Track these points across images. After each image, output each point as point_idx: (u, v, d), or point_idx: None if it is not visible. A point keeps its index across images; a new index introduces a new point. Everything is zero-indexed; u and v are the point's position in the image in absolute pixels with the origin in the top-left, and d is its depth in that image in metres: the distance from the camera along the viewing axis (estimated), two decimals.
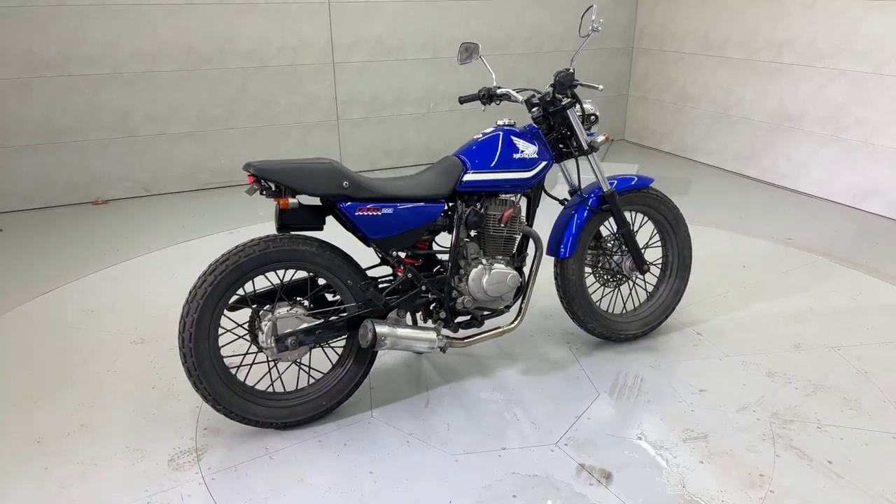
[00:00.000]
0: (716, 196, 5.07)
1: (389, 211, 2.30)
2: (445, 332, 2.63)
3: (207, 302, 2.15)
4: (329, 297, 2.48)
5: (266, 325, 2.26)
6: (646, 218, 2.85)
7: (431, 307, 2.57)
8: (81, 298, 3.44)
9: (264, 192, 2.19)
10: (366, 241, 2.40)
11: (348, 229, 2.38)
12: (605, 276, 2.89)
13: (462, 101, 2.79)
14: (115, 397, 2.62)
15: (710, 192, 5.18)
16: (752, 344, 2.95)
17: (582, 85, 2.59)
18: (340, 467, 2.23)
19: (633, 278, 2.93)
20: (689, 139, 6.13)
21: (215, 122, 5.26)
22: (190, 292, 2.16)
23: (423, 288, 2.46)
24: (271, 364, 2.48)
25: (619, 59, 6.59)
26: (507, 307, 2.64)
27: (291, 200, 2.18)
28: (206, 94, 5.15)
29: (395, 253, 2.38)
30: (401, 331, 2.35)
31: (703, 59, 5.86)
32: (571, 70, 2.59)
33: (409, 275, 2.43)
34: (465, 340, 2.55)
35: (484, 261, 2.53)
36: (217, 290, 2.15)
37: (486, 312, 2.62)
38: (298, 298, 2.38)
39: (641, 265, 2.86)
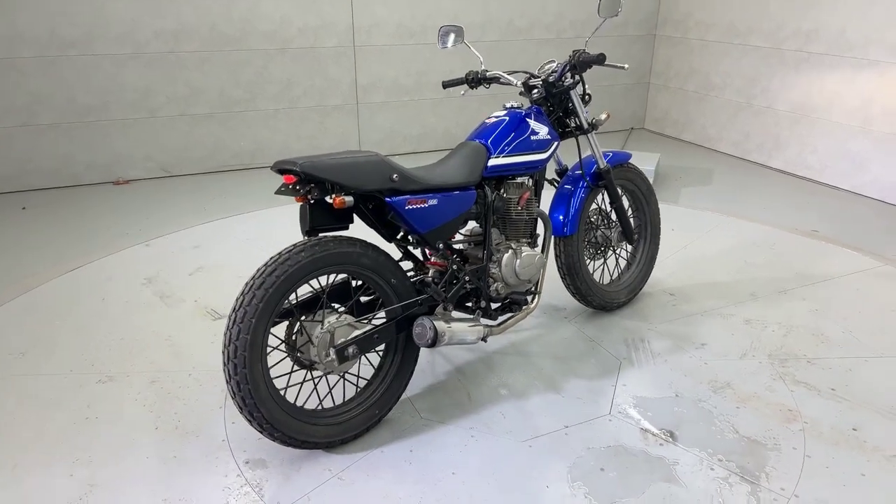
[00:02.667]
0: (739, 187, 4.85)
1: (434, 202, 2.16)
2: (484, 321, 2.49)
3: (260, 318, 1.86)
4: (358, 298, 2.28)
5: (319, 336, 2.00)
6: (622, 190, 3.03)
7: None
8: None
9: (311, 194, 1.93)
10: (390, 237, 2.23)
11: (373, 225, 2.20)
12: (591, 249, 2.92)
13: (446, 85, 2.69)
14: (121, 445, 2.20)
15: (732, 182, 4.96)
16: (718, 297, 3.19)
17: (609, 65, 2.58)
18: (420, 474, 2.06)
19: (619, 249, 3.02)
20: (712, 129, 5.98)
21: (236, 103, 5.14)
22: (235, 310, 1.86)
23: (467, 279, 2.34)
24: (315, 379, 2.24)
25: (641, 47, 6.42)
26: (532, 291, 2.57)
27: (347, 199, 1.94)
28: (226, 75, 5.03)
29: (440, 245, 2.24)
30: (455, 325, 2.21)
31: (727, 47, 5.69)
32: (586, 50, 2.54)
33: (455, 266, 2.30)
34: (500, 326, 2.46)
35: (513, 245, 2.47)
36: (269, 304, 1.87)
37: (516, 297, 2.53)
38: (336, 305, 2.17)
39: (631, 235, 2.97)
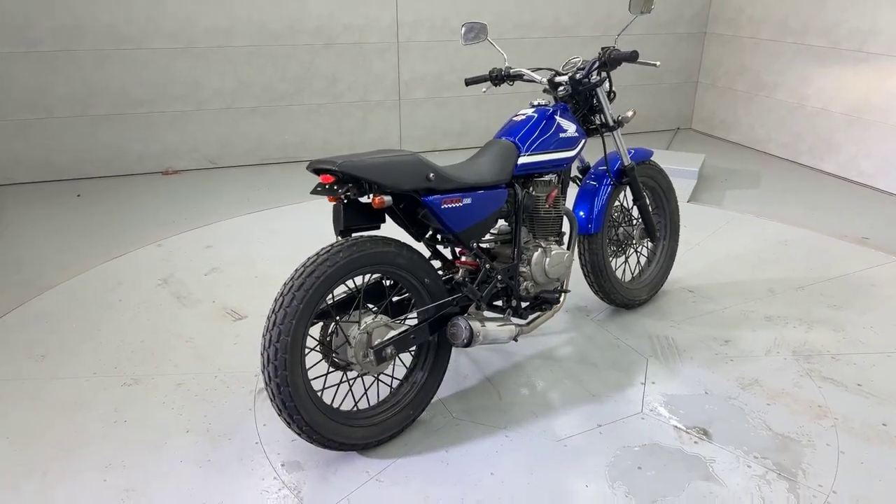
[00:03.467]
0: (787, 190, 4.66)
1: (469, 201, 2.12)
2: (515, 320, 2.46)
3: (300, 319, 1.83)
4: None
5: (356, 337, 1.97)
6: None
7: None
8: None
9: (348, 193, 1.90)
10: (419, 236, 2.20)
11: (403, 225, 2.16)
12: (613, 247, 2.88)
13: (469, 82, 2.68)
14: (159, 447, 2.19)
15: (781, 185, 4.76)
16: (737, 295, 3.17)
17: (641, 62, 2.51)
18: (458, 475, 2.03)
19: (640, 247, 2.99)
20: (761, 130, 5.78)
21: (282, 97, 5.18)
22: (274, 312, 1.83)
23: (499, 278, 2.31)
24: (350, 381, 2.23)
25: (689, 45, 6.23)
26: (561, 289, 2.54)
27: (386, 198, 1.92)
28: (273, 69, 5.06)
29: (474, 244, 2.22)
30: (489, 324, 2.19)
31: (780, 46, 5.48)
32: (616, 47, 2.50)
33: (488, 266, 2.28)
34: (530, 325, 2.44)
35: (543, 244, 2.45)
36: (309, 305, 1.84)
37: (546, 296, 2.52)
38: (370, 305, 2.14)
39: (654, 233, 2.94)
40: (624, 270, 3.06)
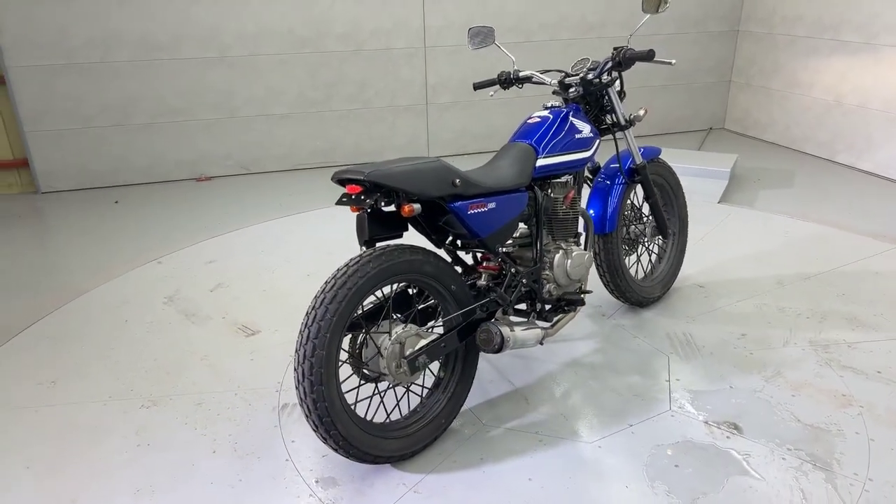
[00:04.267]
0: (823, 190, 4.50)
1: (493, 205, 2.10)
2: (540, 323, 2.43)
3: (334, 332, 1.79)
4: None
5: (388, 347, 1.93)
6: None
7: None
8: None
9: (378, 203, 1.85)
10: (440, 242, 2.16)
11: (424, 231, 2.13)
12: (625, 246, 2.87)
13: (477, 87, 2.65)
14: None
15: (816, 185, 4.60)
16: (747, 287, 3.17)
17: (657, 61, 2.48)
18: (495, 482, 2.00)
19: (651, 244, 2.99)
20: (797, 129, 5.63)
21: (313, 104, 5.22)
22: (307, 326, 1.78)
23: (524, 281, 2.29)
24: (381, 392, 2.19)
25: (722, 43, 6.10)
26: (582, 290, 2.53)
27: (416, 206, 1.89)
28: (304, 76, 5.10)
29: (500, 249, 2.20)
30: (518, 329, 2.16)
31: (816, 43, 5.32)
32: (629, 46, 2.47)
33: (513, 270, 2.26)
34: (553, 327, 2.42)
35: (564, 245, 2.43)
36: (342, 318, 1.80)
37: (570, 297, 2.50)
38: (396, 314, 2.10)
39: (666, 230, 2.92)
40: (637, 268, 3.04)
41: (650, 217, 2.93)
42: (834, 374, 2.50)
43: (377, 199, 1.86)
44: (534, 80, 2.55)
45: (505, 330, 2.11)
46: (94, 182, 5.00)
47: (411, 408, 2.20)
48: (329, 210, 4.43)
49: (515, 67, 2.66)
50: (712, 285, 3.21)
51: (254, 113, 5.15)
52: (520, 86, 2.62)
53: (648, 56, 2.41)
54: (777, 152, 5.53)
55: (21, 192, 4.94)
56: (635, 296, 2.87)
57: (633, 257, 3.03)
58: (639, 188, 2.89)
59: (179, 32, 4.79)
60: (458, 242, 2.25)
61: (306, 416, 1.84)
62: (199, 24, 4.81)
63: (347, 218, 4.28)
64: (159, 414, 2.38)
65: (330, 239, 3.95)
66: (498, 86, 2.64)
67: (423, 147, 5.65)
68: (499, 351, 2.09)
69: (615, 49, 2.49)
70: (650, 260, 3.12)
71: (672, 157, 4.91)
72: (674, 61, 2.48)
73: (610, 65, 2.48)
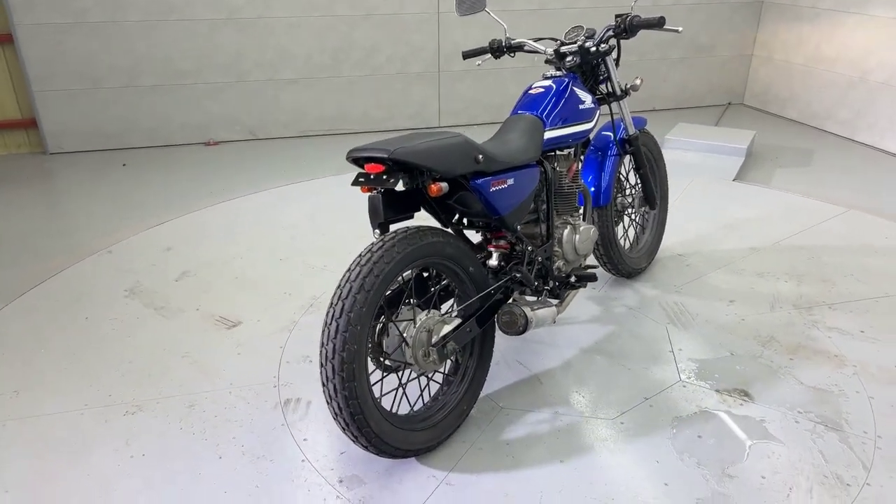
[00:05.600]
0: (842, 170, 4.32)
1: (511, 181, 1.98)
2: (551, 301, 2.36)
3: (364, 324, 1.65)
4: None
5: (414, 335, 1.81)
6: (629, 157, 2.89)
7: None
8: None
9: (403, 183, 1.72)
10: (447, 221, 2.04)
11: (433, 211, 2.00)
12: (614, 217, 2.82)
13: (466, 56, 2.52)
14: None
15: (836, 165, 4.42)
16: (721, 257, 3.19)
17: (666, 29, 2.35)
18: (527, 466, 1.92)
19: (636, 215, 2.96)
20: (818, 106, 5.43)
21: (322, 69, 5.05)
22: (335, 318, 1.64)
23: (539, 259, 2.20)
24: (404, 383, 2.08)
25: (745, 15, 5.85)
26: (588, 265, 2.48)
27: (443, 185, 1.78)
28: (313, 41, 4.92)
29: (518, 227, 2.07)
30: (538, 309, 2.09)
31: (842, 16, 5.09)
32: (635, 13, 2.35)
33: (529, 248, 2.16)
34: (563, 304, 2.37)
35: (571, 220, 2.36)
36: (371, 308, 1.66)
37: (582, 273, 2.45)
38: (412, 300, 1.95)
39: (654, 201, 2.86)
40: (624, 240, 2.99)
41: (637, 187, 2.89)
42: (822, 335, 2.55)
43: (400, 179, 1.71)
44: (526, 48, 2.42)
45: (527, 311, 2.03)
46: (103, 144, 4.95)
47: (423, 397, 2.09)
48: (328, 180, 4.35)
49: (508, 35, 2.50)
50: (692, 255, 3.21)
51: (262, 77, 5.04)
52: (512, 55, 2.49)
53: (660, 23, 2.27)
54: (798, 130, 5.36)
55: (30, 152, 4.92)
56: (626, 267, 2.84)
57: (619, 229, 3.02)
58: (627, 158, 2.84)
59: None
60: (465, 221, 2.12)
61: (335, 415, 1.71)
62: None
63: (306, 193, 4.09)
64: (148, 420, 2.12)
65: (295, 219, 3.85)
66: (489, 55, 2.50)
67: (433, 116, 5.54)
68: (522, 332, 2.01)
69: (618, 16, 2.37)
70: (635, 231, 3.08)
71: (688, 132, 4.78)
72: (681, 29, 2.32)
73: (612, 32, 2.37)
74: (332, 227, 3.62)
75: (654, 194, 2.86)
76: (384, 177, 1.70)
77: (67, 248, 3.40)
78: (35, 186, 4.27)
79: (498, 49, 2.48)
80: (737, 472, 1.91)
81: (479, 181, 1.89)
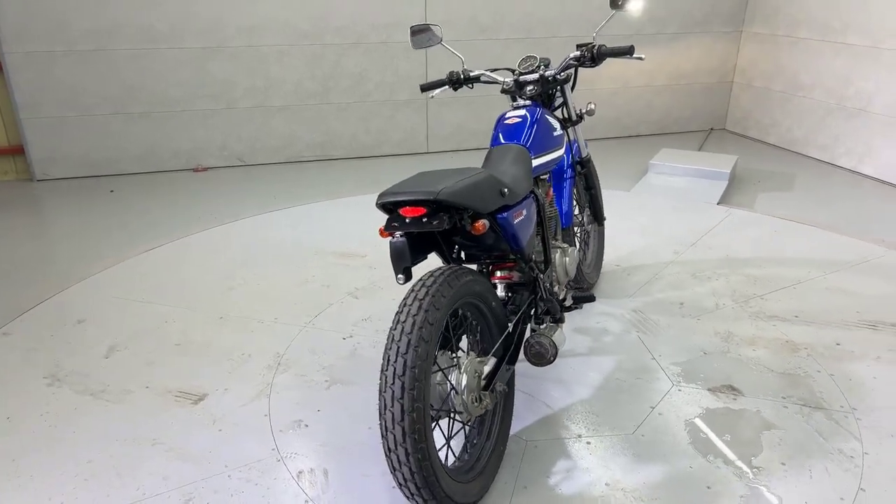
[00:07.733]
0: (823, 194, 4.35)
1: (525, 212, 1.97)
2: (554, 325, 2.42)
3: (426, 378, 1.52)
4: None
5: (465, 381, 1.70)
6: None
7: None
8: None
9: (445, 225, 1.61)
10: (448, 257, 1.94)
11: (439, 248, 1.89)
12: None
13: (424, 88, 2.50)
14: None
15: (816, 188, 4.46)
16: (654, 263, 3.35)
17: (633, 57, 2.36)
18: (579, 496, 1.86)
19: (583, 232, 3.04)
20: (798, 131, 5.54)
21: (311, 96, 5.08)
22: (397, 377, 1.50)
23: (548, 286, 2.20)
24: (452, 431, 1.97)
25: (725, 44, 5.97)
26: (571, 285, 2.51)
27: (486, 222, 1.71)
28: (303, 68, 4.96)
29: (532, 257, 2.06)
30: (555, 335, 2.07)
31: (819, 45, 5.22)
32: (596, 44, 2.38)
33: (540, 276, 2.16)
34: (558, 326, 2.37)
35: (558, 245, 2.42)
36: (430, 360, 1.54)
37: (580, 295, 2.49)
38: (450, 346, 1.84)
39: (601, 217, 2.97)
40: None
41: (587, 206, 2.99)
42: (767, 324, 2.70)
43: (443, 220, 1.61)
44: (483, 79, 2.43)
45: (554, 339, 2.03)
46: (90, 171, 4.93)
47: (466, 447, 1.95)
48: (318, 205, 4.36)
49: (465, 67, 2.52)
50: (630, 268, 3.32)
51: (251, 104, 5.07)
52: (470, 86, 2.49)
53: (630, 51, 2.30)
54: (779, 155, 5.44)
55: (16, 179, 4.89)
56: (585, 282, 2.92)
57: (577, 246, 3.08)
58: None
59: (180, 23, 4.71)
60: (463, 255, 2.05)
61: (401, 483, 1.56)
62: (200, 16, 4.71)
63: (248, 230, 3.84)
64: None
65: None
66: (447, 86, 2.48)
67: (422, 142, 5.58)
68: (552, 362, 1.99)
69: (580, 46, 2.39)
70: (581, 248, 3.10)
71: (672, 157, 4.84)
72: (643, 56, 2.34)
73: (576, 62, 2.39)
74: (268, 270, 3.32)
75: (602, 211, 2.98)
76: (424, 219, 1.61)
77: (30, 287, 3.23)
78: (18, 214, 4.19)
79: (456, 81, 2.46)
80: (760, 463, 1.97)
81: (505, 214, 1.85)
